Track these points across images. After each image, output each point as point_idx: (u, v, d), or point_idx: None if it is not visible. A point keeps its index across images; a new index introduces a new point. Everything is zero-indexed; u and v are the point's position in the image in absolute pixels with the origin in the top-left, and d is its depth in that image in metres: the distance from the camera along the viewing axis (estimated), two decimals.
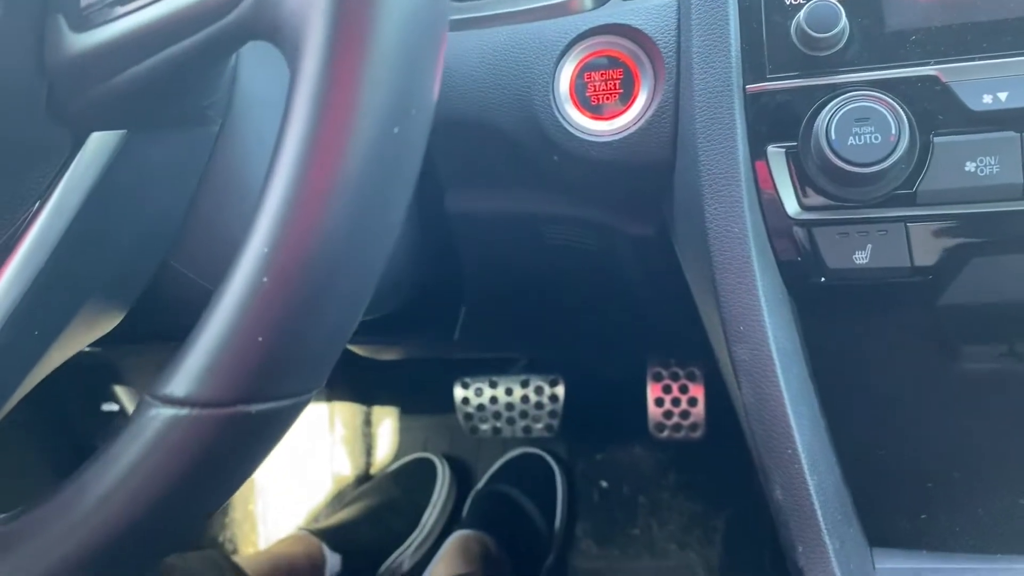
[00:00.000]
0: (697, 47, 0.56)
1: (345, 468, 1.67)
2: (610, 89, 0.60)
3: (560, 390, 1.48)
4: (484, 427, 1.52)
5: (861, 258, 0.54)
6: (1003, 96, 0.51)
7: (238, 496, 1.66)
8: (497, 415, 1.51)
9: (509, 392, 1.49)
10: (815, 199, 0.53)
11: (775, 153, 0.54)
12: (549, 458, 1.56)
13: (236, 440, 0.33)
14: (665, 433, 1.49)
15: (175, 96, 0.40)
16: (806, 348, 0.57)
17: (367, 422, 1.71)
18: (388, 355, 1.13)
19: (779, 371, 0.52)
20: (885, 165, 0.50)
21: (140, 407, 0.33)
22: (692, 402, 1.48)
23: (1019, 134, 0.51)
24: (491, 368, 1.52)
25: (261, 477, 1.67)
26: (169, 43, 0.35)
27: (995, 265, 0.55)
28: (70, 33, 0.36)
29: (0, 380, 0.38)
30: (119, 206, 0.42)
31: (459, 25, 0.66)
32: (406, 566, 1.41)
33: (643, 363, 1.46)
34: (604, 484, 1.58)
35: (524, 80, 0.61)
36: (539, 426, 1.51)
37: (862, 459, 0.57)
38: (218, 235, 0.49)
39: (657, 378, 1.48)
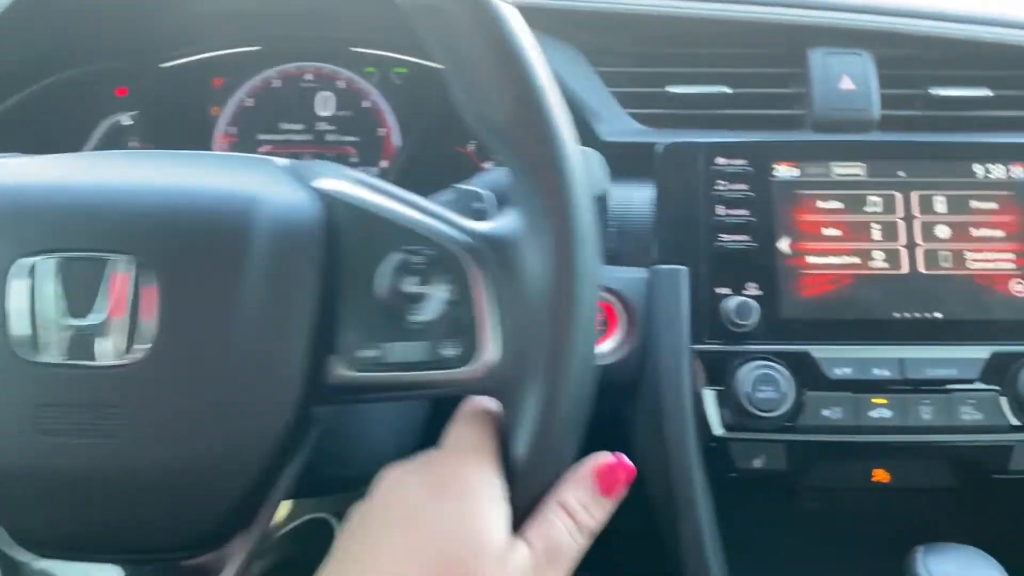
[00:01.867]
0: (663, 316, 0.83)
1: None
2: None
3: None
4: None
5: (758, 463, 0.83)
6: (848, 371, 0.82)
7: None
8: None
9: None
10: (730, 424, 0.83)
11: (709, 393, 0.83)
12: None
13: None
14: None
15: None
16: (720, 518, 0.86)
17: None
18: None
19: (707, 540, 0.81)
20: (778, 413, 0.80)
21: None
22: None
23: (855, 395, 0.82)
24: None
25: None
26: (413, 391, 0.58)
27: (837, 466, 0.87)
28: (340, 367, 0.58)
29: None
30: None
31: None
32: None
33: None
34: None
35: None
36: None
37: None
38: None
39: None
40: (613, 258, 0.89)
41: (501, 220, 0.58)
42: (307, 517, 1.77)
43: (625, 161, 0.91)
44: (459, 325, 0.57)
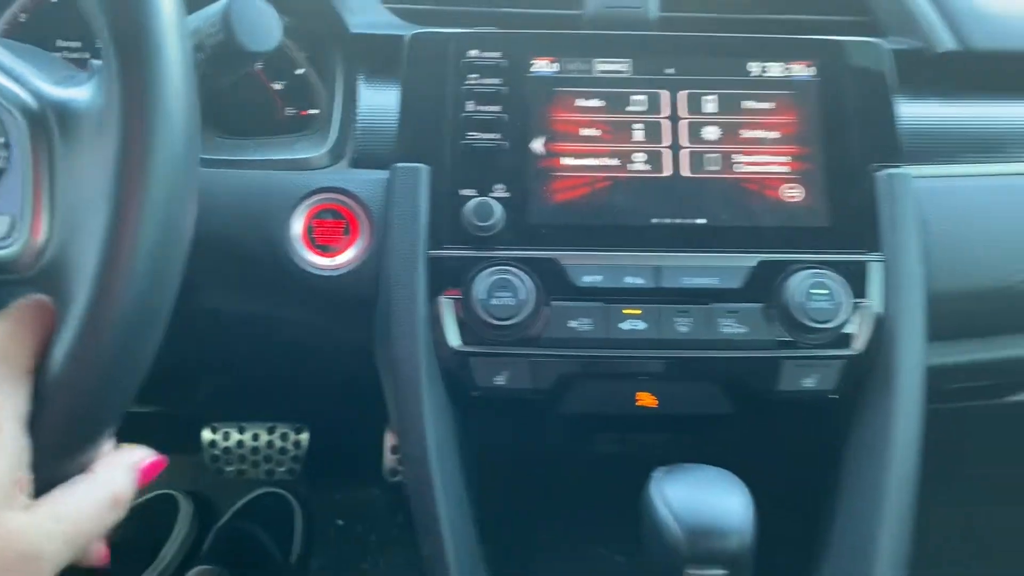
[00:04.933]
0: (396, 218, 0.75)
1: None
2: (333, 235, 0.78)
3: (304, 437, 1.63)
4: (229, 468, 1.63)
5: (500, 380, 0.75)
6: (598, 278, 0.75)
7: None
8: (243, 458, 1.63)
9: (256, 437, 1.62)
10: (470, 336, 0.74)
11: (445, 302, 0.75)
12: (291, 497, 1.69)
13: None
14: (398, 477, 1.68)
15: None
16: (464, 442, 0.77)
17: None
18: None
19: (432, 463, 0.72)
20: (516, 320, 0.72)
21: None
22: None
23: (606, 305, 0.74)
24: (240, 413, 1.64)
25: None
26: None
27: (594, 387, 0.79)
28: None
29: None
30: None
31: (223, 164, 0.81)
32: None
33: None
34: (340, 522, 1.73)
35: (267, 218, 0.78)
36: (282, 469, 1.64)
37: (501, 522, 0.79)
38: None
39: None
40: (358, 160, 0.81)
41: (84, 86, 0.50)
42: (153, 493, 1.68)
43: (380, 58, 0.83)
44: (6, 196, 0.49)
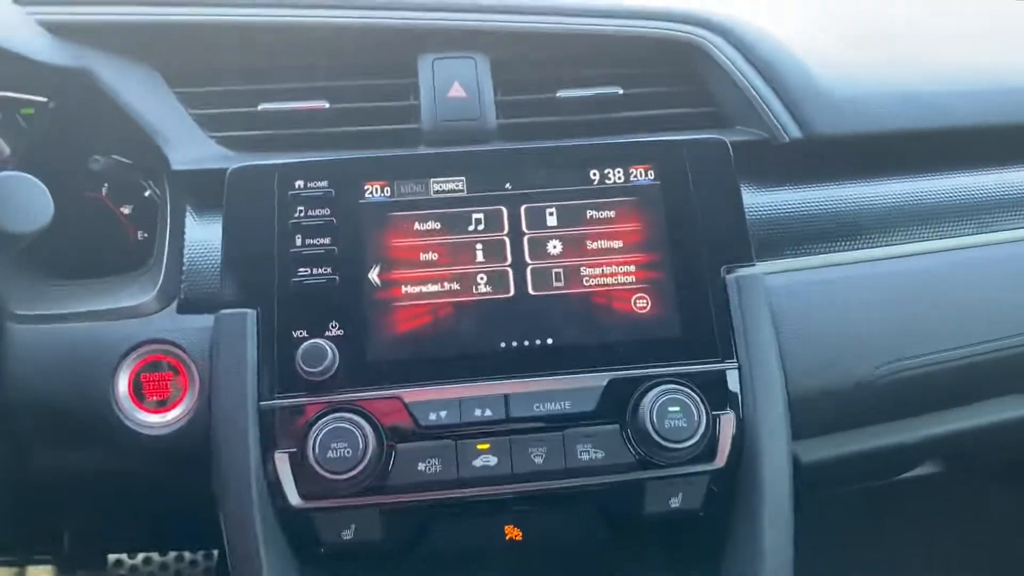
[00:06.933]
0: (222, 370, 0.71)
1: None
2: (161, 388, 0.73)
3: (215, 550, 1.55)
4: None
5: (348, 535, 0.71)
6: (443, 414, 0.71)
7: None
8: None
9: (163, 553, 1.54)
10: (311, 490, 0.70)
11: (280, 457, 0.70)
12: None
13: None
14: None
15: None
16: None
17: None
18: None
19: None
20: (355, 473, 0.68)
21: None
22: None
23: (455, 442, 0.70)
24: None
25: None
26: None
27: (455, 527, 0.74)
28: None
29: None
30: None
31: (47, 320, 0.76)
32: None
33: None
34: None
35: (91, 377, 0.73)
36: None
37: None
38: None
39: None
40: (187, 303, 0.76)
41: None
42: None
43: (206, 191, 0.79)
44: None
